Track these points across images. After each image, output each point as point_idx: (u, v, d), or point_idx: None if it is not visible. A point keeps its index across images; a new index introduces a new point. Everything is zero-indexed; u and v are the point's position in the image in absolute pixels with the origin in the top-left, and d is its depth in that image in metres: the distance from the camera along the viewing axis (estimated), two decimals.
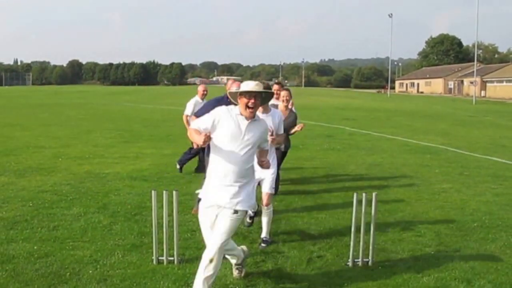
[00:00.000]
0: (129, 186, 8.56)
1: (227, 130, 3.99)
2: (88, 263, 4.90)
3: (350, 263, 4.96)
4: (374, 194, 4.92)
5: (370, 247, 4.95)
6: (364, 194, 4.87)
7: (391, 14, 79.64)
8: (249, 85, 4.05)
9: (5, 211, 6.81)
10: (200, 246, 4.85)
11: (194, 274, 4.13)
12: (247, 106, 3.98)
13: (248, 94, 3.98)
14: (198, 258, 4.29)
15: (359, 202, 4.87)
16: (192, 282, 4.13)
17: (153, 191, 4.82)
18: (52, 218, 6.50)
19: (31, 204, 7.19)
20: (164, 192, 4.59)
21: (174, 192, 4.65)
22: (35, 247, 5.34)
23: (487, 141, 16.67)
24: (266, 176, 5.58)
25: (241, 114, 4.03)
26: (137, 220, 6.51)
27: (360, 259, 4.95)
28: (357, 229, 4.99)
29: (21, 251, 5.23)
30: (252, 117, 4.03)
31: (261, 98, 4.12)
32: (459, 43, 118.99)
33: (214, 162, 4.07)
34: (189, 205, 7.10)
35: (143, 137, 16.10)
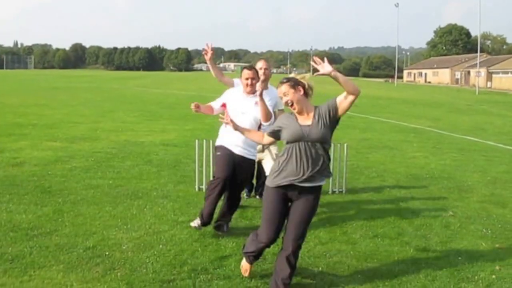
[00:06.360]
0: (164, 150, 10.71)
1: None
2: (151, 190, 7.17)
3: (330, 191, 7.22)
4: (345, 145, 7.18)
5: (344, 181, 7.22)
6: (338, 144, 7.11)
7: (397, 3, 79.99)
8: None
9: (75, 163, 8.96)
10: None
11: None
12: None
13: None
14: None
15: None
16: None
17: (196, 140, 7.10)
18: (113, 167, 8.67)
19: (92, 159, 9.34)
20: (204, 140, 6.83)
21: (211, 142, 6.90)
22: (110, 182, 7.58)
23: (471, 125, 18.70)
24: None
25: None
26: (177, 169, 8.75)
27: (336, 189, 7.22)
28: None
29: (101, 183, 7.49)
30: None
31: None
32: (468, 34, 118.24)
33: None
34: None
35: (163, 116, 17.95)
